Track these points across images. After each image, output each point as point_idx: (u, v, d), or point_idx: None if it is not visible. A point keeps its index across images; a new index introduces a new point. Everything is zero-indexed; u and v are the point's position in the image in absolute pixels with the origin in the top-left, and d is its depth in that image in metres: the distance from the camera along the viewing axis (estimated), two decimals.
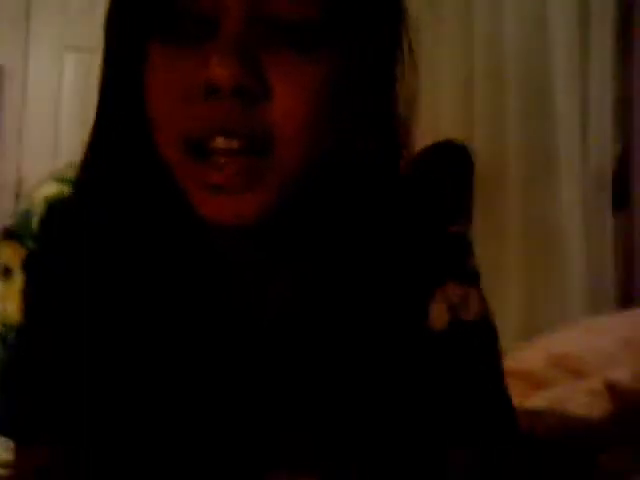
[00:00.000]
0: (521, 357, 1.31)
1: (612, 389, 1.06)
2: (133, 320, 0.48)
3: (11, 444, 0.54)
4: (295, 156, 0.45)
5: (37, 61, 3.31)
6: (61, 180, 0.55)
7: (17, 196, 3.22)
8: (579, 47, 2.05)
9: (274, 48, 0.44)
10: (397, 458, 0.48)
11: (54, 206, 0.54)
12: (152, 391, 0.48)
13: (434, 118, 2.36)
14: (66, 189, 0.54)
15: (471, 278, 0.56)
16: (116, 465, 0.48)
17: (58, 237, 0.52)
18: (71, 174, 0.54)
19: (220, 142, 0.43)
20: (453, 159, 2.12)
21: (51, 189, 0.55)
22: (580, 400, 1.08)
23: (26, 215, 0.54)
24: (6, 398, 0.54)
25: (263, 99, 0.43)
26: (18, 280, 0.54)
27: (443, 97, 2.39)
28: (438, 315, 0.52)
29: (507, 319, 2.03)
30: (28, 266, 0.53)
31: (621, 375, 1.09)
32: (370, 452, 0.48)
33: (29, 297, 0.53)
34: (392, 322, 0.49)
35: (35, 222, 0.53)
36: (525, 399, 1.10)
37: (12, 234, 0.55)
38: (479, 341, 0.54)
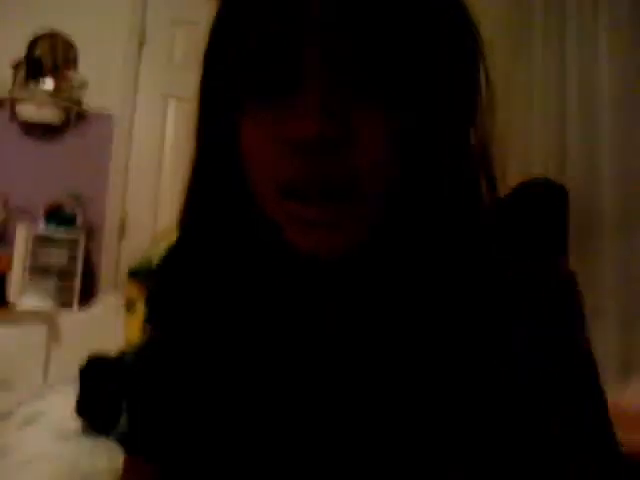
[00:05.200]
0: (615, 397, 1.28)
1: None
2: (231, 334, 0.52)
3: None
4: (377, 197, 0.47)
5: (142, 109, 3.53)
6: None
7: (120, 235, 3.41)
8: None
9: (354, 93, 0.44)
10: None
11: (171, 250, 0.60)
12: (240, 407, 0.51)
13: (526, 154, 2.36)
14: None
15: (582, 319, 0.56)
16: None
17: (169, 276, 0.57)
18: None
19: (310, 189, 0.45)
20: (549, 198, 2.09)
21: (173, 237, 0.60)
22: None
23: (149, 259, 0.61)
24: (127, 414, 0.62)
25: (347, 146, 0.44)
26: (139, 311, 0.60)
27: (535, 132, 2.38)
28: None
29: (604, 363, 1.98)
30: (149, 300, 0.59)
31: None
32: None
33: (149, 326, 0.59)
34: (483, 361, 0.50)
35: (154, 264, 0.60)
36: (626, 437, 1.07)
37: (136, 274, 0.63)
38: (583, 374, 0.53)
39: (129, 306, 0.57)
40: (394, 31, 0.45)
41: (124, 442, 0.61)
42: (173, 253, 0.57)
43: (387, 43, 0.45)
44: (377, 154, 0.45)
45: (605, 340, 2.07)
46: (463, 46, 0.50)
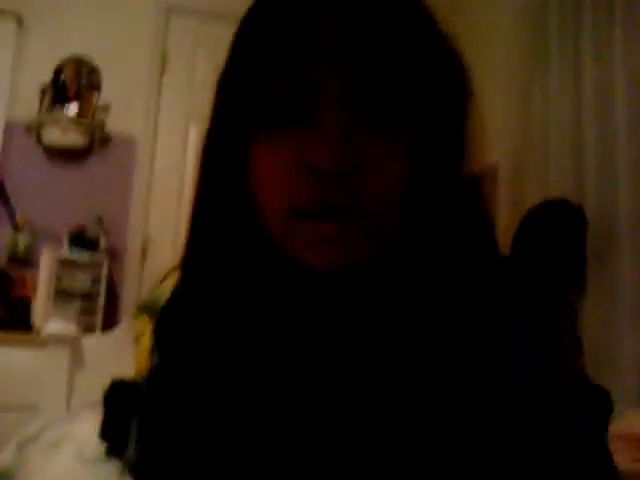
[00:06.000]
0: (634, 421, 1.28)
1: None
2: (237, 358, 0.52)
3: None
4: (385, 218, 0.49)
5: (164, 131, 3.58)
6: None
7: (143, 258, 3.45)
8: None
9: (371, 125, 0.47)
10: None
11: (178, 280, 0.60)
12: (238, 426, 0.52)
13: (544, 172, 2.36)
14: None
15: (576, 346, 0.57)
16: None
17: (176, 305, 0.57)
18: None
19: (324, 212, 0.47)
20: (566, 220, 2.09)
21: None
22: None
23: (158, 295, 0.63)
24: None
25: (362, 174, 0.46)
26: (145, 341, 0.62)
27: (552, 151, 2.38)
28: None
29: (620, 382, 1.96)
30: (156, 329, 0.60)
31: None
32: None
33: (155, 356, 0.59)
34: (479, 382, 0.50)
35: (163, 302, 0.59)
36: (636, 463, 1.07)
37: (145, 309, 0.64)
38: (579, 405, 0.54)
39: (136, 339, 0.59)
40: (406, 68, 0.48)
41: (133, 468, 0.62)
42: (180, 282, 0.57)
43: (401, 78, 0.48)
44: (392, 182, 0.48)
45: (621, 354, 2.05)
46: (463, 85, 0.53)
